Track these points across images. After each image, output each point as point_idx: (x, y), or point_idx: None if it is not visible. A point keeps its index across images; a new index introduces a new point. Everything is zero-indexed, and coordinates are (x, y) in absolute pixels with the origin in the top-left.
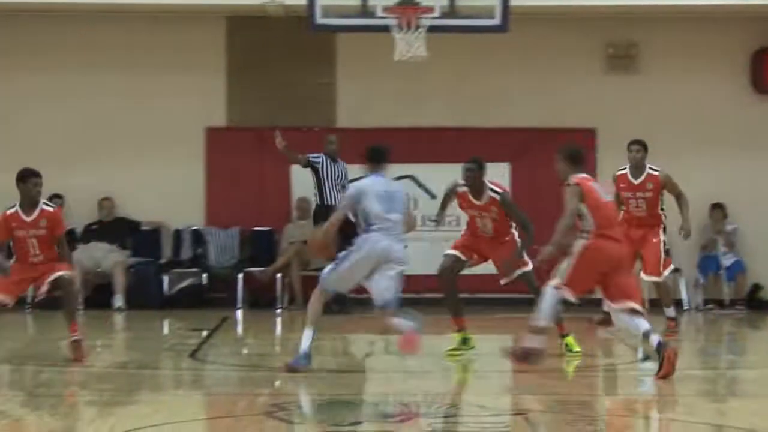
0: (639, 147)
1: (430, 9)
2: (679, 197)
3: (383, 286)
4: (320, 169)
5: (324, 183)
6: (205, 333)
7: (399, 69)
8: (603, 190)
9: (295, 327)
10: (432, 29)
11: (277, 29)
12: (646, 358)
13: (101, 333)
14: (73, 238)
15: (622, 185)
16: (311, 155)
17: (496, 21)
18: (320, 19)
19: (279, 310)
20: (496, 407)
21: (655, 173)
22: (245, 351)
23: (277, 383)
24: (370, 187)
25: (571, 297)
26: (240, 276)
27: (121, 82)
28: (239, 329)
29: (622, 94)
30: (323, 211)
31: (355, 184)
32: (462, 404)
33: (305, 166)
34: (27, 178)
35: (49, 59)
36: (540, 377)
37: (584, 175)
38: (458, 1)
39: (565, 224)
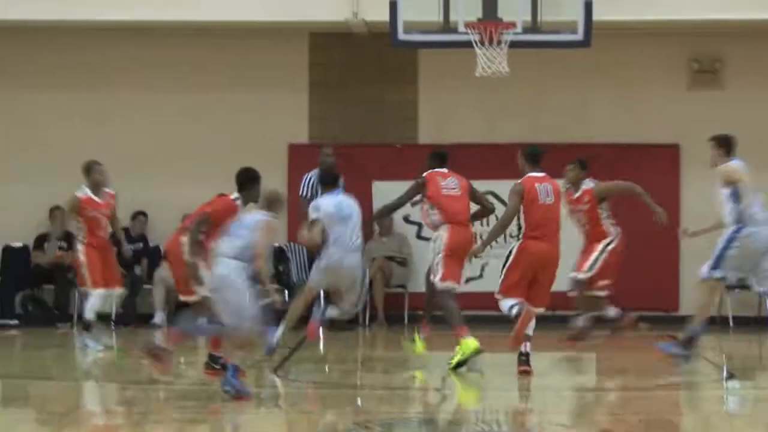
0: (572, 166)
1: (512, 24)
2: (632, 189)
3: (350, 302)
4: (315, 189)
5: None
6: (287, 350)
7: (480, 84)
8: (546, 192)
9: (377, 344)
10: (514, 44)
11: (360, 46)
12: (731, 376)
13: (184, 350)
14: (157, 255)
15: (567, 199)
16: (301, 190)
17: (578, 36)
18: (402, 36)
19: (361, 328)
20: (578, 426)
21: (590, 186)
22: (327, 368)
23: (359, 401)
24: (324, 208)
25: (512, 301)
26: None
27: (206, 99)
28: (321, 346)
29: (705, 110)
30: None
31: (312, 203)
32: (544, 423)
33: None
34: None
35: (135, 76)
36: (623, 395)
37: (535, 174)
38: (540, 16)
39: (500, 224)
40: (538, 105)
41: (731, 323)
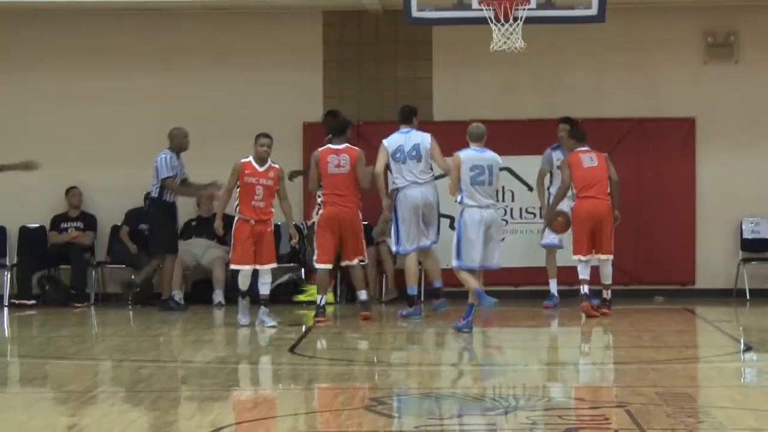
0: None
1: (526, 0)
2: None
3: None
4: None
5: None
6: (304, 328)
7: (495, 61)
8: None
9: (390, 321)
10: (528, 20)
11: (374, 23)
12: (748, 348)
13: (202, 328)
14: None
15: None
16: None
17: (592, 11)
18: (416, 13)
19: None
20: (595, 399)
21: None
22: (344, 345)
23: (377, 377)
24: None
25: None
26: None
27: (219, 79)
28: (338, 323)
29: (721, 84)
30: None
31: None
32: (561, 397)
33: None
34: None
35: (145, 58)
36: (639, 368)
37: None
38: None
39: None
40: (553, 81)
41: (748, 296)
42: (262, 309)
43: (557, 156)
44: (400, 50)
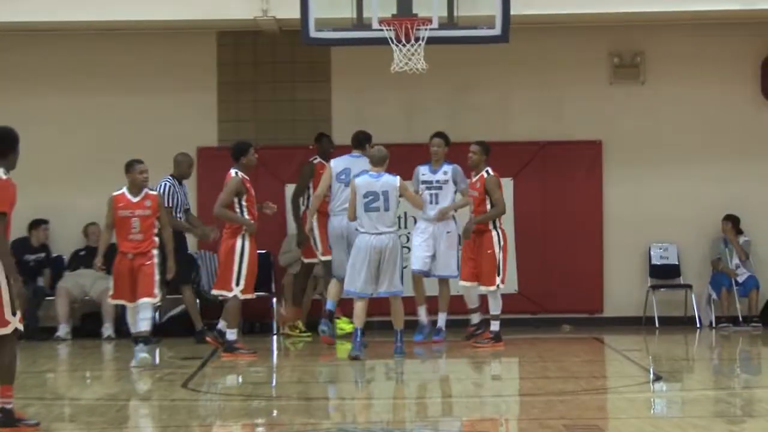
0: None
1: (428, 20)
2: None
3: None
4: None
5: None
6: (198, 362)
7: (397, 82)
8: None
9: (289, 353)
10: (431, 41)
11: (270, 44)
12: (657, 378)
13: (90, 363)
14: (60, 266)
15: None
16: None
17: (496, 31)
18: (314, 33)
19: (275, 336)
20: None
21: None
22: (240, 380)
23: (274, 413)
24: None
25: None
26: None
27: (109, 102)
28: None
29: (628, 105)
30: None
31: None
32: (466, 430)
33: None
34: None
35: (34, 79)
36: (546, 400)
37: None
38: (457, 11)
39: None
40: (458, 103)
41: (657, 323)
42: (139, 346)
43: (423, 171)
44: (297, 71)
